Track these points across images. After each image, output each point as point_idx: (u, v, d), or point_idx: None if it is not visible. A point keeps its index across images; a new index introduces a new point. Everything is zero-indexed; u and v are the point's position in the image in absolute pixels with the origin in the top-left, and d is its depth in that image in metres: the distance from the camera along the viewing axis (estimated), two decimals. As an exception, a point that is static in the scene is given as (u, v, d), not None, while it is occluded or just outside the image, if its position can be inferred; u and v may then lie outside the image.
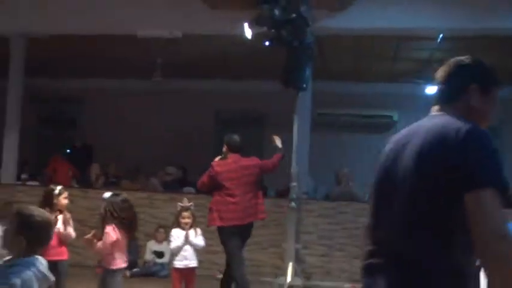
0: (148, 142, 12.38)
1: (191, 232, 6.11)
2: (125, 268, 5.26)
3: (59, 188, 5.69)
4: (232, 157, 6.87)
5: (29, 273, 2.52)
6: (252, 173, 6.71)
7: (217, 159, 6.98)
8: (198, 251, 6.18)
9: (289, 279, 8.07)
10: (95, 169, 10.34)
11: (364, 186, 10.24)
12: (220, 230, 6.60)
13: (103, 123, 12.99)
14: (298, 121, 8.57)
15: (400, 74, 11.40)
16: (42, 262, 2.64)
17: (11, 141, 10.27)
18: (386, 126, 12.63)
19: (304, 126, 9.19)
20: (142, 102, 12.93)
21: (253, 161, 6.95)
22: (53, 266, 3.53)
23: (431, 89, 11.84)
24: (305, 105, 9.29)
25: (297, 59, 8.23)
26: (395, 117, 12.46)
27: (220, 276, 8.58)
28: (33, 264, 2.54)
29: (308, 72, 8.38)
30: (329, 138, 12.12)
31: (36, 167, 12.43)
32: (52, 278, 2.70)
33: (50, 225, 2.78)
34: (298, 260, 8.48)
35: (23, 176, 10.70)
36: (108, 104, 13.14)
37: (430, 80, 11.17)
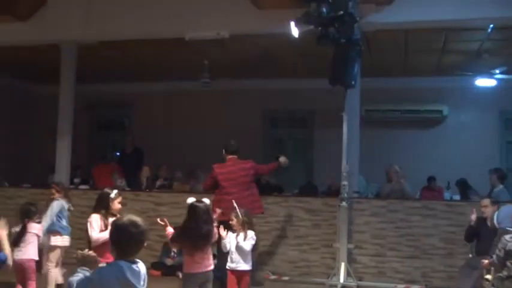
0: (197, 143, 12.39)
1: (240, 235, 6.02)
2: None
3: (114, 192, 5.76)
4: (231, 160, 7.71)
5: (110, 273, 2.80)
6: (247, 174, 7.58)
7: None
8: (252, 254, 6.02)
9: (342, 279, 7.97)
10: (145, 172, 10.37)
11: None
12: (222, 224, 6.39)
13: (153, 126, 13.09)
14: (347, 119, 8.42)
15: (449, 66, 11.08)
16: (130, 266, 2.85)
17: (64, 146, 10.42)
18: (436, 121, 12.35)
19: (353, 124, 9.01)
20: (190, 104, 12.96)
21: (249, 163, 7.75)
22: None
23: (481, 81, 11.49)
24: (354, 103, 9.11)
25: (344, 56, 8.08)
26: (445, 112, 12.15)
27: (273, 277, 8.55)
28: (117, 267, 2.80)
29: (356, 68, 8.21)
30: (378, 135, 11.87)
31: (87, 171, 12.63)
32: (133, 282, 2.85)
33: (139, 228, 2.94)
34: (351, 260, 8.35)
35: (76, 180, 10.85)
36: (157, 107, 13.25)
37: (480, 72, 10.99)
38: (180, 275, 5.15)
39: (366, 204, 8.88)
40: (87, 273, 2.90)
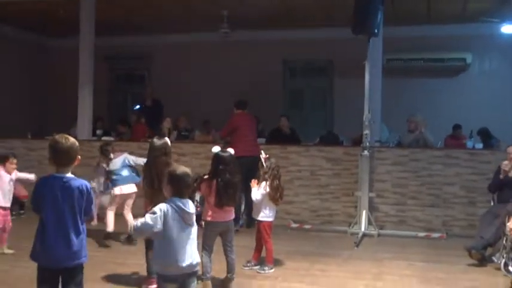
0: (217, 94, 12.40)
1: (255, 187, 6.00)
2: None
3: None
4: (243, 113, 8.72)
5: (162, 206, 3.65)
6: (254, 124, 9.00)
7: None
8: (264, 205, 5.98)
9: (363, 228, 8.07)
10: (167, 123, 10.44)
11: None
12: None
13: (172, 78, 13.08)
14: (369, 68, 8.37)
15: (474, 13, 10.82)
16: (180, 200, 3.70)
17: (85, 99, 10.53)
18: (459, 70, 12.17)
19: (375, 73, 9.00)
20: (210, 55, 12.90)
21: (254, 117, 9.11)
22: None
23: (507, 28, 11.24)
24: (376, 52, 9.06)
25: (367, 4, 7.97)
26: (469, 60, 11.93)
27: (295, 225, 8.66)
28: (173, 202, 3.67)
29: (380, 17, 8.10)
30: (399, 85, 11.76)
31: (109, 122, 12.74)
32: (189, 210, 3.71)
33: (188, 176, 3.78)
34: (372, 209, 8.42)
35: (98, 132, 10.96)
36: (175, 59, 13.21)
37: (506, 19, 10.72)
38: (203, 224, 5.22)
39: (388, 153, 8.89)
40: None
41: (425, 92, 12.03)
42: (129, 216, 7.26)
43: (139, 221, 3.61)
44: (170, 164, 4.95)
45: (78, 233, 3.37)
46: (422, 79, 12.17)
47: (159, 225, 3.59)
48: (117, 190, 7.25)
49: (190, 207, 3.75)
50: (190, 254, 3.71)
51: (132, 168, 7.33)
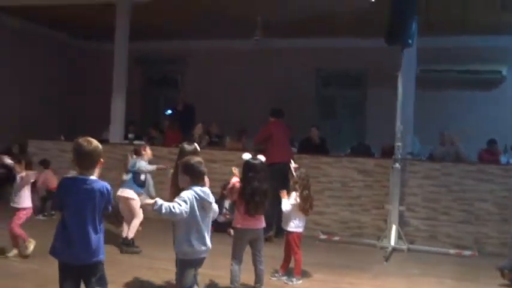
0: (250, 101, 12.42)
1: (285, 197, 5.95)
2: None
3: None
4: (278, 122, 8.74)
5: (188, 194, 4.03)
6: (288, 133, 8.95)
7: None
8: (293, 215, 5.93)
9: (392, 242, 7.96)
10: (198, 129, 10.47)
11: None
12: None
13: (205, 83, 13.14)
14: (402, 79, 8.29)
15: (509, 24, 10.63)
16: (201, 189, 4.10)
17: (118, 102, 10.68)
18: (495, 82, 11.97)
19: (408, 84, 8.90)
20: (243, 62, 12.93)
21: (288, 127, 9.02)
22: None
23: (545, 42, 11.02)
24: (410, 62, 8.96)
25: (401, 14, 7.90)
26: (504, 72, 11.74)
27: (324, 236, 8.60)
28: (193, 190, 4.06)
29: (414, 27, 8.02)
30: (433, 96, 11.60)
31: (141, 127, 12.83)
32: (209, 199, 4.12)
33: (201, 164, 4.16)
34: (402, 223, 8.32)
35: (130, 136, 11.06)
36: (209, 64, 13.24)
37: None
38: (232, 232, 5.21)
39: (419, 166, 8.78)
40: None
41: (459, 105, 11.85)
42: (133, 222, 7.18)
43: (173, 205, 3.90)
44: None
45: (96, 232, 3.51)
46: (456, 91, 12.00)
47: (187, 212, 3.97)
48: (118, 191, 7.21)
49: (211, 196, 4.15)
50: (208, 240, 4.16)
51: (138, 175, 7.29)
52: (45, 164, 9.58)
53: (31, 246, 6.50)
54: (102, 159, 3.60)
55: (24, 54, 12.74)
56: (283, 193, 5.95)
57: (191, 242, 4.06)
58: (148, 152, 7.45)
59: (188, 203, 3.96)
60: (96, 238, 3.51)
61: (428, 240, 8.45)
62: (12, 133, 11.73)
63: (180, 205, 3.93)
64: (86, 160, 3.53)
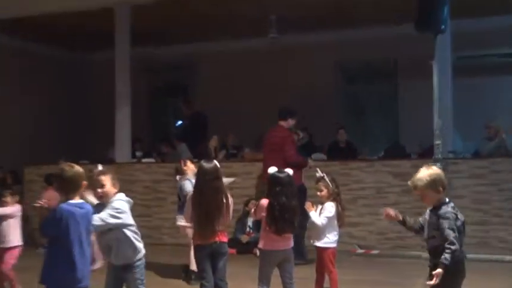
0: (267, 105, 12.30)
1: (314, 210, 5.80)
2: None
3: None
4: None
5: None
6: None
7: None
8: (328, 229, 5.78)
9: (439, 252, 7.80)
10: (213, 141, 10.38)
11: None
12: None
13: (218, 89, 13.04)
14: (437, 68, 8.20)
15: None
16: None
17: (123, 116, 10.65)
18: (542, 65, 11.80)
19: (444, 74, 8.83)
20: (258, 62, 12.84)
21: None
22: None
23: None
24: (444, 49, 8.86)
25: (432, -3, 7.81)
26: (552, 54, 11.57)
27: (360, 251, 8.50)
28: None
29: (446, 10, 7.92)
30: (473, 85, 11.44)
31: (149, 143, 12.78)
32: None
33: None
34: (449, 229, 8.16)
35: (138, 154, 11.05)
36: (222, 67, 13.13)
37: None
38: (257, 252, 5.14)
39: (464, 164, 8.68)
40: None
41: (503, 92, 11.67)
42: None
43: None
44: (222, 190, 4.99)
45: (88, 254, 3.98)
46: (498, 77, 11.82)
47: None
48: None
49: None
50: None
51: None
52: (49, 180, 9.35)
53: None
54: (85, 182, 4.01)
55: (18, 72, 12.83)
56: (309, 205, 5.87)
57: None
58: (190, 166, 7.07)
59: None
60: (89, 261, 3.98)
61: (480, 247, 8.24)
62: (11, 156, 11.78)
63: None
64: (69, 184, 3.95)
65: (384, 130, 12.57)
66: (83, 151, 12.00)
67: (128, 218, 4.55)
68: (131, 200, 4.64)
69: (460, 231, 4.02)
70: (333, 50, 12.42)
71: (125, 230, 4.51)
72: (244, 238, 8.84)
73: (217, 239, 5.01)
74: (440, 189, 4.16)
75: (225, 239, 5.13)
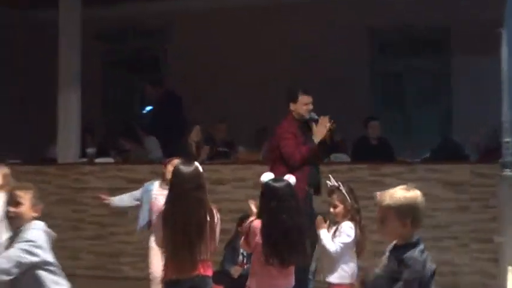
0: (270, 85, 12.29)
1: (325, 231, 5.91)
2: None
3: None
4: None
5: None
6: None
7: None
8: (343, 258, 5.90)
9: (508, 292, 7.80)
10: (195, 134, 10.27)
11: None
12: None
13: (199, 62, 12.97)
14: (507, 38, 8.23)
15: None
16: None
17: (69, 101, 10.67)
18: None
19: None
20: (255, 25, 12.81)
21: None
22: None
23: None
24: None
25: None
26: None
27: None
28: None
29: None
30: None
31: (105, 136, 12.75)
32: None
33: None
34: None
35: (89, 151, 10.96)
36: (205, 32, 13.06)
37: None
38: (251, 289, 5.15)
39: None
40: None
41: None
42: None
43: None
44: (205, 203, 5.01)
45: None
46: None
47: None
48: None
49: None
50: None
51: None
52: None
53: None
54: None
55: None
56: (320, 220, 5.86)
57: None
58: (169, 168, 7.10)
59: None
60: None
61: None
62: None
63: None
64: None
65: (432, 122, 12.66)
66: (13, 147, 11.93)
67: (46, 255, 4.50)
68: (52, 232, 4.60)
69: (428, 285, 3.97)
70: (363, 12, 12.43)
71: (39, 272, 4.47)
72: (236, 270, 8.75)
73: (198, 271, 5.02)
74: (408, 223, 4.00)
75: (209, 272, 5.17)
